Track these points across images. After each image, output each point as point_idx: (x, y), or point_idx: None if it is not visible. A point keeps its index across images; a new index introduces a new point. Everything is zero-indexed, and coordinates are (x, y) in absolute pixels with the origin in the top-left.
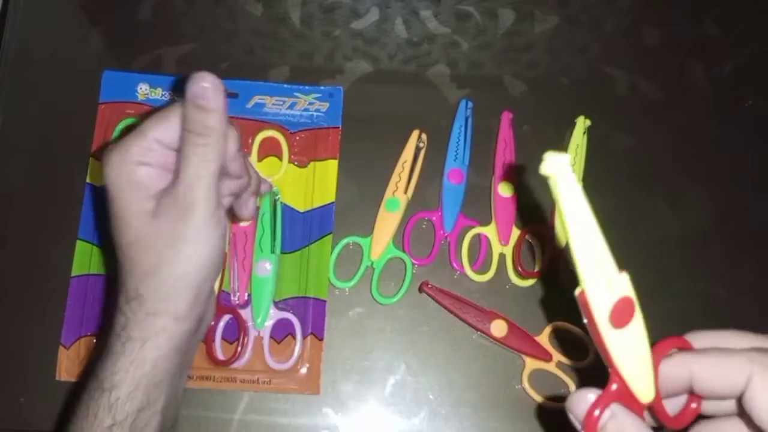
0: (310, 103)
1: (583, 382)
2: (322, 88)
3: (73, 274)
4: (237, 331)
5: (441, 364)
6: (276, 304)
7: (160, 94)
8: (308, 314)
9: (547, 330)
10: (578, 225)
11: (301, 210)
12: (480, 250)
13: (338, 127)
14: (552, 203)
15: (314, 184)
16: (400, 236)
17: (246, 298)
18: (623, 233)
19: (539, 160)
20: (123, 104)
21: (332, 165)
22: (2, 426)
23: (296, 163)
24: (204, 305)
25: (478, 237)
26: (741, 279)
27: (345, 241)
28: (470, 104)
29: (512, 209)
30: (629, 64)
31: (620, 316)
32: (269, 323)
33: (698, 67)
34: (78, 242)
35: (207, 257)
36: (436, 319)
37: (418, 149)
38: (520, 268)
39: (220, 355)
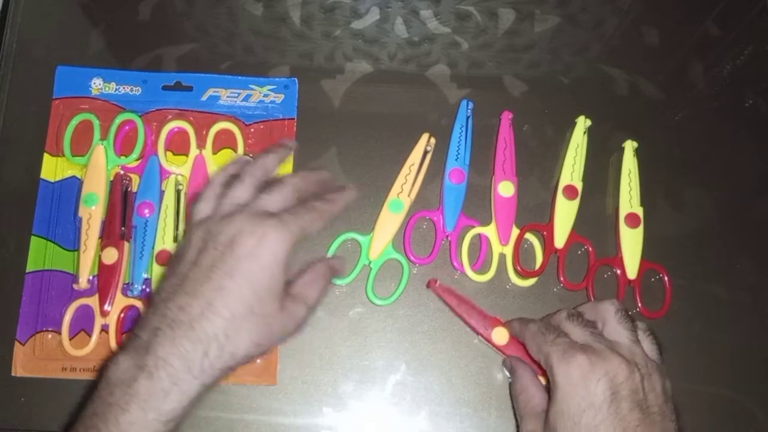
0: (265, 95)
1: None
2: (276, 79)
3: (28, 270)
4: None
5: (441, 364)
6: None
7: (113, 88)
8: None
9: None
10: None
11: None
12: (480, 250)
13: (294, 119)
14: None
15: None
16: (400, 237)
17: None
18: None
19: (539, 160)
20: (77, 99)
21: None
22: None
23: (251, 155)
24: None
25: (478, 237)
26: (741, 279)
27: (344, 237)
28: (471, 104)
29: (512, 209)
30: (629, 64)
31: (631, 221)
32: None
33: (698, 67)
34: (33, 238)
35: None
36: (436, 319)
37: (425, 152)
38: (519, 268)
39: None
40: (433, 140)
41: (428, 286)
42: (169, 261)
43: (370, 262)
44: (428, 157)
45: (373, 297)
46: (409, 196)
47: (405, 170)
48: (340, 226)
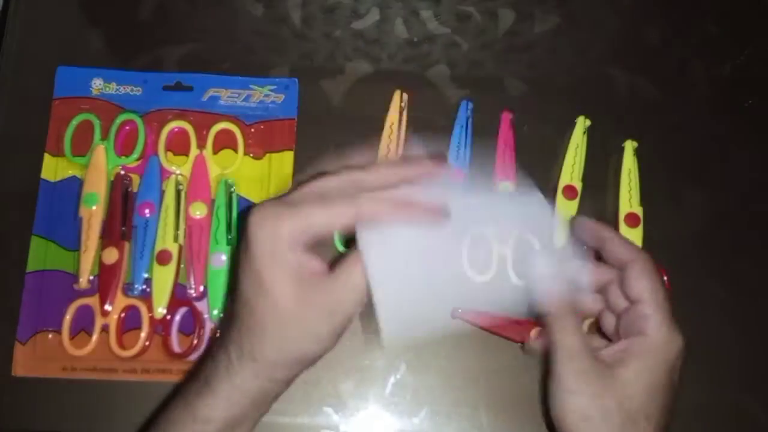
0: (266, 95)
1: None
2: (277, 79)
3: (28, 270)
4: (193, 324)
5: (441, 364)
6: None
7: (113, 88)
8: None
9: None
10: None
11: (257, 202)
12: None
13: (294, 119)
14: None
15: (270, 176)
16: None
17: (202, 290)
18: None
19: (539, 160)
20: (77, 99)
21: (288, 156)
22: None
23: (252, 155)
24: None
25: None
26: (741, 279)
27: None
28: (471, 105)
29: None
30: (629, 64)
31: (630, 221)
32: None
33: (698, 67)
34: (33, 238)
35: (329, 349)
36: None
37: (401, 109)
38: None
39: (176, 348)
40: (406, 95)
41: (453, 315)
42: None
43: None
44: (405, 113)
45: None
46: (396, 154)
47: (387, 131)
48: None
